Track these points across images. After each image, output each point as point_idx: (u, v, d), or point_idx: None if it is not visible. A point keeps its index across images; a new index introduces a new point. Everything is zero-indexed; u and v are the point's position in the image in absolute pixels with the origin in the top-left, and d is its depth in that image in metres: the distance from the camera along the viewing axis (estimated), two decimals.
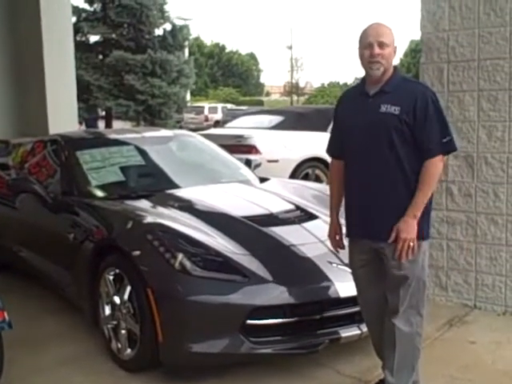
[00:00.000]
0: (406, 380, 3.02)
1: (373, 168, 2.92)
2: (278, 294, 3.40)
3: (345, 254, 3.67)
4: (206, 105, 37.57)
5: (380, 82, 2.93)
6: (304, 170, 8.58)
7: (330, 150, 3.26)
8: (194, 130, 7.83)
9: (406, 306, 2.95)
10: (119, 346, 3.71)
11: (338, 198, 3.22)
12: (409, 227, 2.83)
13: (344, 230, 3.22)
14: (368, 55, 2.89)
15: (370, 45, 2.88)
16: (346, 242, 3.26)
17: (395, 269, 2.92)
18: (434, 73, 4.63)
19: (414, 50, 49.83)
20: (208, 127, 20.53)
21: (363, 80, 3.03)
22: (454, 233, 4.62)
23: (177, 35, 24.61)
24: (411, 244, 2.84)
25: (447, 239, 4.65)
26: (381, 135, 2.88)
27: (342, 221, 3.23)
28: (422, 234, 2.91)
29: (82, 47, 22.21)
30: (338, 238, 3.27)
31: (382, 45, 2.87)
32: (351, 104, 3.10)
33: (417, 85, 3.03)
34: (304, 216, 4.23)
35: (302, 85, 73.54)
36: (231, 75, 67.85)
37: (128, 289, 3.58)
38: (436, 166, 2.86)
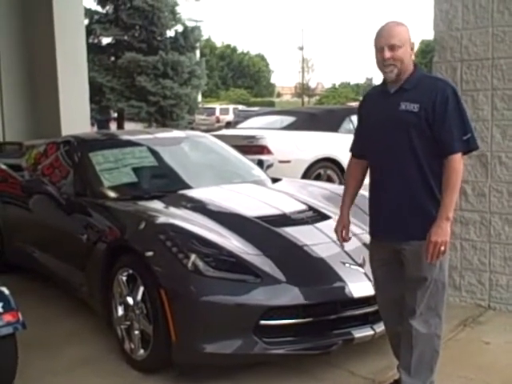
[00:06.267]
0: (424, 381, 3.00)
1: (393, 167, 2.91)
2: (291, 295, 3.39)
3: (358, 255, 3.69)
4: (218, 106, 37.63)
5: (400, 81, 2.91)
6: (316, 170, 8.55)
7: (352, 149, 3.28)
8: (206, 131, 7.83)
9: (423, 308, 2.93)
10: (132, 346, 3.71)
11: (351, 194, 3.24)
12: (441, 230, 2.78)
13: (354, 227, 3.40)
14: (380, 59, 2.90)
15: (381, 49, 2.88)
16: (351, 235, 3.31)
17: (414, 270, 2.91)
18: (447, 72, 4.61)
19: (424, 51, 49.62)
20: (219, 128, 20.53)
21: (385, 78, 3.02)
22: (467, 233, 4.59)
23: (188, 37, 24.65)
24: (442, 248, 2.78)
25: (461, 239, 4.62)
26: (400, 133, 2.87)
27: (352, 219, 3.28)
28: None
29: (94, 49, 22.33)
30: (344, 232, 3.24)
31: (392, 47, 2.86)
32: (373, 103, 3.11)
33: (437, 81, 3.01)
34: (316, 216, 4.22)
35: (312, 86, 73.60)
36: (242, 76, 67.90)
37: (141, 289, 3.59)
38: (457, 162, 2.81)
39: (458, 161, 2.82)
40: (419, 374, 3.00)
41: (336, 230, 3.29)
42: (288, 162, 8.06)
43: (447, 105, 2.80)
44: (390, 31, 2.88)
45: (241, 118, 21.17)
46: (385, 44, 2.86)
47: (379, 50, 2.89)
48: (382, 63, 2.89)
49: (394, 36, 2.86)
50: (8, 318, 3.19)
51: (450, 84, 2.97)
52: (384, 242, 3.03)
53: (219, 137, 6.43)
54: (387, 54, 2.85)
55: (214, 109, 36.03)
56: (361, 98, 3.37)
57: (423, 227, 2.84)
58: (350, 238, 3.28)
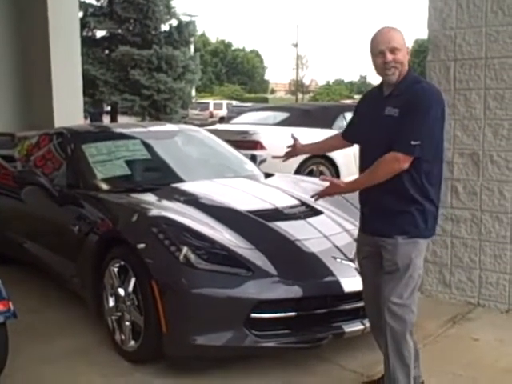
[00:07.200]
0: (404, 378, 3.01)
1: None
2: (282, 288, 3.42)
3: (349, 250, 3.71)
4: (211, 101, 37.60)
5: (394, 85, 2.94)
6: (309, 166, 8.57)
7: (343, 134, 3.43)
8: (199, 126, 7.83)
9: (396, 302, 2.92)
10: (123, 337, 3.72)
11: (319, 145, 3.64)
12: (337, 190, 3.09)
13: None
14: (381, 63, 2.91)
15: (381, 52, 2.89)
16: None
17: (388, 263, 2.95)
18: (440, 71, 4.63)
19: (418, 51, 49.71)
20: (213, 123, 20.53)
21: (383, 80, 3.04)
22: (458, 230, 4.62)
23: (183, 31, 24.67)
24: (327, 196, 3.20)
25: (451, 236, 4.65)
26: (382, 138, 2.91)
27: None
28: (406, 230, 2.90)
29: (88, 42, 22.31)
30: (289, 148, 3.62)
31: (393, 50, 2.88)
32: (369, 102, 3.17)
33: (424, 87, 2.94)
34: (309, 211, 4.23)
35: (307, 82, 73.68)
36: (236, 72, 67.87)
37: (132, 281, 3.60)
38: (392, 160, 2.82)
39: (392, 158, 2.82)
40: (396, 370, 3.00)
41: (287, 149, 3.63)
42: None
43: (415, 107, 2.81)
44: (388, 35, 2.90)
45: (234, 113, 21.16)
46: (385, 48, 2.87)
47: (379, 54, 2.90)
48: (383, 67, 2.90)
49: (393, 39, 2.89)
50: None
51: (432, 92, 2.93)
52: (369, 236, 3.09)
53: (213, 131, 6.43)
54: (389, 57, 2.87)
55: (207, 104, 35.98)
56: (355, 96, 3.43)
57: (402, 225, 2.91)
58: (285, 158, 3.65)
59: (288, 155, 3.65)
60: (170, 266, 3.43)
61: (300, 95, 62.08)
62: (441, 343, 3.91)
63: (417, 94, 2.87)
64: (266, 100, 51.38)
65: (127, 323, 3.67)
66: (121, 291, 3.71)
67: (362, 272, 3.25)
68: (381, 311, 3.00)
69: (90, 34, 24.10)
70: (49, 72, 8.88)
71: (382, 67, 2.92)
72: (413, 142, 2.80)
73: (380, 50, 2.89)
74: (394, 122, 2.87)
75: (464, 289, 4.63)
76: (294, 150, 3.61)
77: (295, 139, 3.59)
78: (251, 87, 66.84)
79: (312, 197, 3.27)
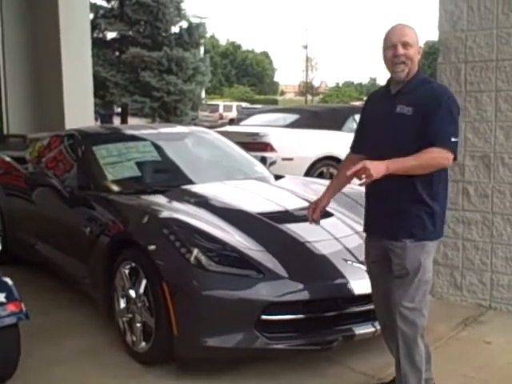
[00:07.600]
0: (415, 381, 3.00)
1: None
2: (292, 290, 3.41)
3: (359, 252, 3.70)
4: (221, 103, 37.66)
5: (402, 83, 2.93)
6: (319, 168, 8.57)
7: (353, 147, 3.28)
8: (209, 128, 7.85)
9: (408, 306, 2.91)
10: (134, 338, 3.73)
11: (334, 187, 3.30)
12: (376, 166, 2.68)
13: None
14: (391, 55, 2.89)
15: (393, 45, 2.88)
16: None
17: (398, 267, 2.94)
18: (451, 73, 4.62)
19: (427, 52, 49.60)
20: (222, 125, 20.55)
21: (390, 79, 3.02)
22: (469, 233, 4.60)
23: (193, 33, 24.69)
24: (363, 175, 2.68)
25: (463, 239, 4.63)
26: (393, 136, 2.89)
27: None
28: (413, 233, 2.88)
29: (99, 44, 22.37)
30: (312, 211, 3.27)
31: (405, 45, 2.87)
32: (375, 103, 3.14)
33: (436, 86, 2.98)
34: None
35: (316, 84, 73.63)
36: (246, 74, 67.92)
37: (143, 282, 3.61)
38: (441, 155, 2.75)
39: (441, 154, 2.74)
40: (408, 373, 3.00)
41: (308, 208, 3.34)
42: (291, 159, 8.07)
43: (439, 109, 2.80)
44: (402, 30, 2.90)
45: (244, 115, 21.16)
46: (398, 41, 2.86)
47: (391, 47, 2.88)
48: (393, 61, 2.88)
49: (407, 35, 2.88)
50: (11, 308, 3.21)
51: (447, 91, 2.96)
52: (376, 239, 3.07)
53: (223, 133, 6.44)
54: (400, 50, 2.86)
55: (217, 105, 36.03)
56: (365, 98, 3.38)
57: (410, 228, 2.88)
58: (317, 222, 3.30)
59: (318, 210, 3.30)
60: (181, 267, 3.44)
61: (309, 97, 62.07)
62: (452, 346, 3.89)
63: (433, 93, 2.85)
64: (275, 102, 51.36)
65: (138, 325, 3.68)
66: (132, 293, 3.73)
67: (371, 276, 3.24)
68: (391, 314, 3.00)
69: (100, 35, 24.16)
70: (60, 73, 8.96)
71: (391, 61, 2.90)
72: (453, 139, 2.78)
73: (392, 42, 2.88)
74: (406, 120, 2.84)
75: (475, 291, 4.61)
76: (320, 207, 3.30)
77: (316, 205, 3.29)
78: (261, 89, 66.87)
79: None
